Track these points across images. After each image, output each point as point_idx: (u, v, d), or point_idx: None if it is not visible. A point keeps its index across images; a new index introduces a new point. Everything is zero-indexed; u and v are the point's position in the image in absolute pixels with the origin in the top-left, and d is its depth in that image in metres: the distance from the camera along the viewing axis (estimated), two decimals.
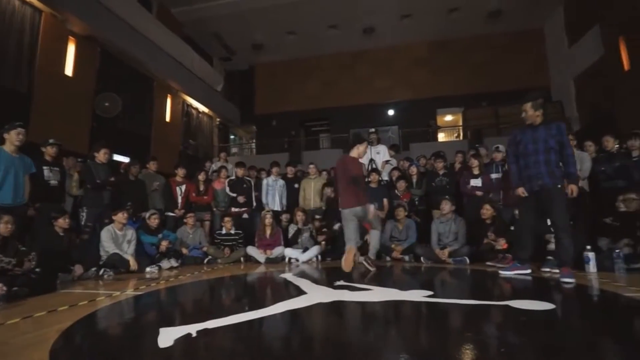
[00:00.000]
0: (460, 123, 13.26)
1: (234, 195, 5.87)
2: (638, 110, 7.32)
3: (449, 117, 14.32)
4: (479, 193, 4.99)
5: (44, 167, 4.32)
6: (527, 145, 3.20)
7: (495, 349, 1.55)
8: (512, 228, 4.34)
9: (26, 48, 6.39)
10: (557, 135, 3.11)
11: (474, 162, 5.17)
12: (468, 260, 4.38)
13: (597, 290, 2.79)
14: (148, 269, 4.33)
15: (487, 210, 4.48)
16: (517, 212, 4.34)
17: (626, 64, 7.80)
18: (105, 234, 4.32)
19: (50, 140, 4.44)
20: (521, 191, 3.26)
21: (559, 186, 3.08)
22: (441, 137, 13.58)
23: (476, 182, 5.06)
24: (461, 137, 12.72)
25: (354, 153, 3.98)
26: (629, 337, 1.73)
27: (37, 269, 3.14)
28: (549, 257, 3.69)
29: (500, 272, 3.45)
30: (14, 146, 3.67)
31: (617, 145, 4.51)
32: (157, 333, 1.74)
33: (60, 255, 3.72)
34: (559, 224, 3.08)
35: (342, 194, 3.92)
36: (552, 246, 3.77)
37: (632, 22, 7.51)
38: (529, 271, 3.35)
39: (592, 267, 3.40)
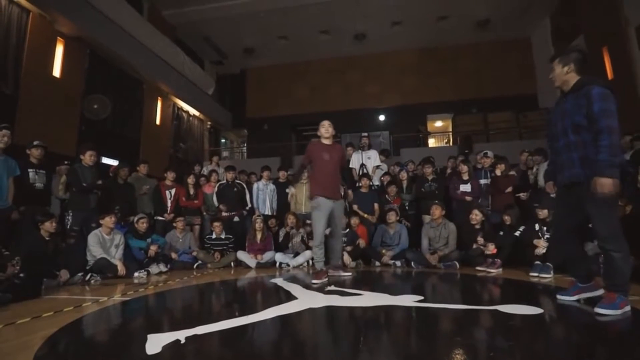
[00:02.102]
0: (450, 129, 13.43)
1: (217, 206, 5.84)
2: (621, 118, 7.51)
3: (439, 123, 14.49)
4: (468, 198, 5.05)
5: (29, 170, 4.23)
6: (557, 123, 2.29)
7: (484, 354, 1.56)
8: (501, 233, 4.40)
9: (13, 48, 6.27)
10: (585, 106, 2.10)
11: (464, 168, 5.24)
12: (458, 265, 4.42)
13: None
14: (136, 274, 4.26)
15: (476, 215, 4.53)
16: (505, 217, 4.42)
17: (609, 73, 8.02)
18: (92, 238, 4.24)
19: (35, 142, 4.35)
20: (549, 186, 2.50)
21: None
22: (431, 142, 13.74)
23: (465, 188, 5.13)
24: (451, 143, 12.88)
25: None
26: (613, 340, 1.76)
27: (21, 274, 3.06)
28: (537, 262, 3.75)
29: (559, 296, 2.46)
30: None
31: None
32: (145, 339, 1.71)
33: (45, 259, 3.63)
34: (602, 233, 2.11)
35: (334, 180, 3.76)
36: (539, 251, 3.84)
37: (615, 33, 7.74)
38: (600, 292, 2.30)
39: None
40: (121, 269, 4.17)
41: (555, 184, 2.43)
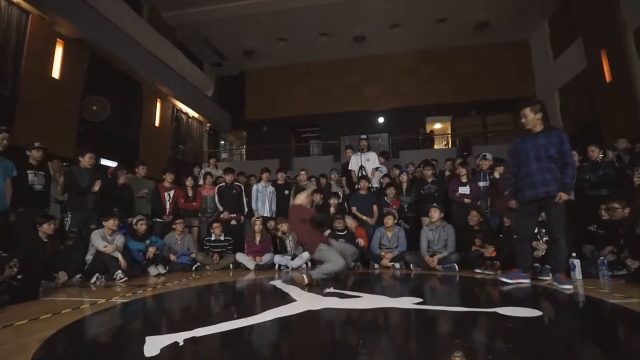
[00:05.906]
0: (449, 131, 13.46)
1: (221, 209, 5.83)
2: (620, 120, 7.55)
3: (438, 125, 14.52)
4: (467, 200, 5.04)
5: (29, 172, 4.21)
6: (529, 153, 3.17)
7: (483, 356, 1.56)
8: (501, 235, 4.39)
9: (12, 49, 6.26)
10: (558, 144, 3.11)
11: (462, 170, 5.24)
12: (457, 267, 4.41)
13: (582, 296, 2.84)
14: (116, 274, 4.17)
15: (474, 216, 4.52)
16: (505, 219, 4.42)
17: (608, 76, 8.05)
18: (96, 235, 4.29)
19: (36, 144, 4.33)
20: (514, 203, 3.34)
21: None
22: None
23: (464, 190, 5.12)
24: (450, 145, 12.89)
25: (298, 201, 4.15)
26: (613, 343, 1.76)
27: (19, 276, 3.04)
28: (536, 264, 3.74)
29: (502, 279, 3.41)
30: None
31: (602, 155, 4.63)
32: (143, 342, 1.71)
33: (43, 261, 3.62)
34: (558, 228, 3.14)
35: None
36: (538, 253, 3.84)
37: (612, 35, 7.78)
38: (528, 281, 3.31)
39: (577, 273, 3.46)
40: (121, 259, 4.20)
41: (519, 201, 3.30)
